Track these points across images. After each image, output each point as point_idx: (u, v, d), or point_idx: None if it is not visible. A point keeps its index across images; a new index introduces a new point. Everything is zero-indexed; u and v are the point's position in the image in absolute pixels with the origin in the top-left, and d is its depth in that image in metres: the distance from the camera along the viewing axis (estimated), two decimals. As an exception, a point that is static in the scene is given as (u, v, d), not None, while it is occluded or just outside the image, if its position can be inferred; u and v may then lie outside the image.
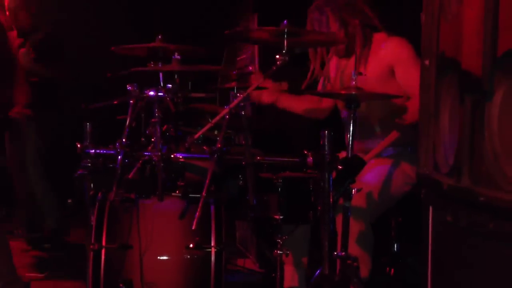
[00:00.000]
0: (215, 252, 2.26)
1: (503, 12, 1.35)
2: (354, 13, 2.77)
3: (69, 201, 4.68)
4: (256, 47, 3.99)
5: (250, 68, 3.92)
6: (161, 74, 2.63)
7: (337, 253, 2.24)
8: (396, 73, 2.76)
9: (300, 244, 2.77)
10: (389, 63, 2.76)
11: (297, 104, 3.06)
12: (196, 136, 2.37)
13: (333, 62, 2.96)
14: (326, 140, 2.14)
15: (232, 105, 2.23)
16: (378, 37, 2.81)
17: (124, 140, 2.34)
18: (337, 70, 2.92)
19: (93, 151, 2.41)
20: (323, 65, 2.96)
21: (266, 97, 2.99)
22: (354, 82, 2.28)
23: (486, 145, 1.38)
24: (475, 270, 1.42)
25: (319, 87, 3.05)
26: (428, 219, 1.66)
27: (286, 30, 2.22)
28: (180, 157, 2.39)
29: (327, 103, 3.05)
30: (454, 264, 1.53)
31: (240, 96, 2.23)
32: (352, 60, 2.81)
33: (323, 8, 2.78)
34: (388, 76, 2.76)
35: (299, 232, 2.59)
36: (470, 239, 1.44)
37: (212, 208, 2.31)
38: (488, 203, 1.34)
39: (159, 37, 2.60)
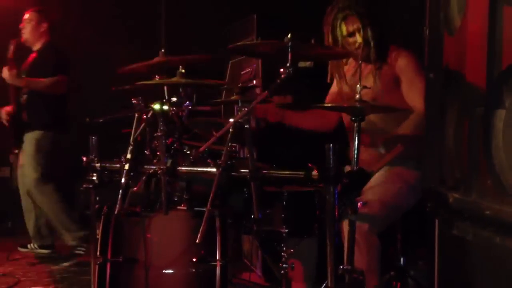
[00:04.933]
0: (220, 266, 2.25)
1: (507, 25, 1.35)
2: (374, 21, 2.78)
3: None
4: (260, 61, 4.01)
5: (254, 82, 3.93)
6: (165, 88, 2.64)
7: (343, 267, 2.23)
8: (401, 84, 2.77)
9: (307, 257, 2.76)
10: (395, 75, 2.78)
11: (303, 121, 3.06)
12: (201, 149, 2.37)
13: (350, 66, 2.97)
14: (331, 153, 2.14)
15: (236, 118, 2.23)
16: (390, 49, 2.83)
17: (129, 153, 2.35)
18: (355, 73, 2.90)
19: (99, 164, 2.42)
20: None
21: (271, 117, 2.98)
22: (358, 95, 2.28)
23: (491, 158, 1.37)
24: (482, 284, 1.42)
25: (333, 89, 3.04)
26: (434, 233, 1.66)
27: (290, 44, 2.23)
28: (185, 170, 2.39)
29: (333, 114, 3.06)
30: (460, 277, 1.52)
31: (244, 109, 2.23)
32: (370, 64, 2.81)
33: (345, 10, 2.78)
34: (394, 88, 2.77)
35: (306, 245, 2.58)
36: (476, 253, 1.43)
37: (217, 221, 2.31)
38: (494, 217, 1.34)
39: (162, 51, 2.61)
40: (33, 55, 4.49)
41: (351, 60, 2.96)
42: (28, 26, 4.46)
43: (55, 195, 4.37)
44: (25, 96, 4.41)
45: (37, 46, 4.49)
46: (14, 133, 4.47)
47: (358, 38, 2.78)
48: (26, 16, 4.49)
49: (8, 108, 4.47)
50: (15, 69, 4.30)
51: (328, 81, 3.06)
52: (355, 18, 2.77)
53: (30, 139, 4.37)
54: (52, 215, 4.38)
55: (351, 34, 2.79)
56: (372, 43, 2.76)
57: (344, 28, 2.80)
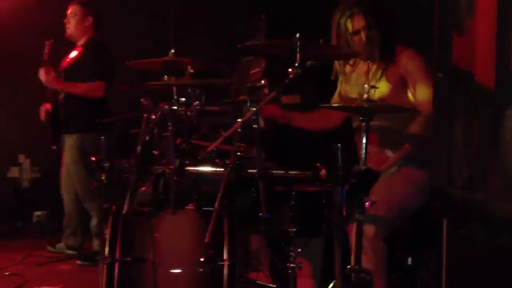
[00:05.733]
0: (228, 266, 2.25)
1: (516, 26, 1.35)
2: (380, 20, 2.77)
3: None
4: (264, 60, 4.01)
5: (263, 81, 3.93)
6: (174, 88, 2.65)
7: (350, 267, 2.23)
8: (408, 83, 2.77)
9: (313, 257, 2.76)
10: (402, 74, 2.77)
11: (309, 122, 3.07)
12: (209, 149, 2.38)
13: (356, 66, 2.97)
14: (339, 153, 2.14)
15: (244, 118, 2.23)
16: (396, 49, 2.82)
17: (138, 153, 2.36)
18: (362, 73, 2.89)
19: (107, 164, 2.43)
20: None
21: (280, 119, 3.00)
22: (366, 95, 2.28)
23: (500, 158, 1.37)
24: (490, 283, 1.41)
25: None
26: (443, 232, 1.66)
27: (298, 44, 2.23)
28: (193, 170, 2.39)
29: (338, 113, 3.06)
30: (469, 277, 1.52)
31: (252, 109, 2.24)
32: (376, 64, 2.81)
33: (352, 8, 2.78)
34: (402, 87, 2.77)
35: (312, 245, 2.58)
36: (485, 252, 1.43)
37: (225, 221, 2.31)
38: (503, 217, 1.33)
39: (172, 51, 2.62)
40: (77, 51, 4.32)
41: (358, 60, 2.96)
42: (73, 21, 4.27)
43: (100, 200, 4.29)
44: (63, 95, 4.27)
45: (81, 42, 4.31)
46: (52, 130, 4.33)
47: (363, 37, 2.77)
48: (70, 10, 4.30)
49: (48, 106, 4.33)
50: (52, 72, 4.15)
51: (332, 78, 3.06)
52: (361, 16, 2.77)
53: (70, 144, 4.25)
54: (98, 219, 4.28)
55: (357, 32, 2.79)
56: (376, 42, 2.75)
57: (349, 26, 2.79)
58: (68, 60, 4.35)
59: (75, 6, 4.31)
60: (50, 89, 4.29)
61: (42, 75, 4.14)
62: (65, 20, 4.33)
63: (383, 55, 2.78)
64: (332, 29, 2.86)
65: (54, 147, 4.36)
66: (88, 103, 4.20)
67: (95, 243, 4.30)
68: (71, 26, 4.30)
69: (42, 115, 4.35)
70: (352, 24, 2.79)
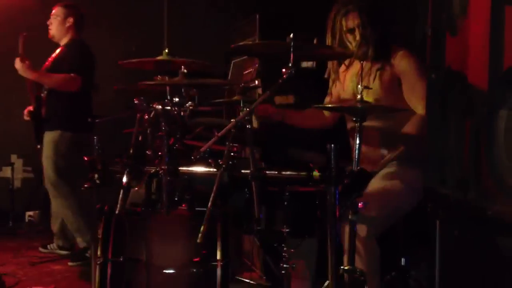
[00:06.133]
0: (221, 266, 2.25)
1: (509, 26, 1.35)
2: (375, 19, 2.77)
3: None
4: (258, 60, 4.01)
5: (256, 82, 3.93)
6: (167, 88, 2.64)
7: (344, 267, 2.23)
8: (402, 84, 2.77)
9: (306, 257, 2.76)
10: (397, 75, 2.77)
11: (303, 120, 3.08)
12: (203, 149, 2.38)
13: (352, 66, 2.97)
14: (332, 153, 2.14)
15: (238, 118, 2.23)
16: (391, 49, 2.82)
17: (130, 153, 2.35)
18: (356, 73, 2.89)
19: (100, 164, 2.42)
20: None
21: (274, 116, 3.00)
22: (359, 96, 2.28)
23: (493, 158, 1.37)
24: (483, 283, 1.41)
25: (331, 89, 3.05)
26: (435, 233, 1.66)
27: (292, 44, 2.23)
28: (186, 170, 2.39)
29: (332, 113, 3.07)
30: (461, 277, 1.52)
31: (246, 109, 2.24)
32: (370, 64, 2.81)
33: (347, 5, 2.78)
34: (396, 88, 2.77)
35: (305, 245, 2.58)
36: (478, 253, 1.43)
37: (218, 221, 2.31)
38: (495, 217, 1.34)
39: (166, 51, 2.61)
40: (58, 50, 4.41)
41: (353, 60, 2.96)
42: (55, 22, 4.38)
43: (72, 198, 4.29)
44: (45, 93, 4.33)
45: (63, 42, 4.41)
46: (35, 130, 4.38)
47: (357, 35, 2.77)
48: (53, 11, 4.41)
49: (30, 108, 4.39)
50: (27, 61, 4.23)
51: (325, 76, 3.06)
52: (356, 14, 2.76)
53: (48, 139, 4.29)
54: (66, 216, 4.33)
55: (351, 30, 2.79)
56: (371, 41, 2.75)
57: (344, 24, 2.79)
58: (50, 59, 4.43)
59: (57, 8, 4.43)
60: (31, 88, 4.34)
61: (17, 64, 4.23)
62: (48, 22, 4.43)
63: (378, 54, 2.77)
64: (328, 27, 2.85)
65: (39, 146, 4.39)
66: (69, 101, 4.25)
67: (79, 240, 4.31)
68: (53, 27, 4.41)
69: (26, 114, 4.39)
70: (347, 22, 2.78)
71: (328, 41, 2.88)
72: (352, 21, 2.77)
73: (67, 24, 4.38)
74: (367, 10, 2.76)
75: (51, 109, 4.31)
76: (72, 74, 4.19)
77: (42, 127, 4.35)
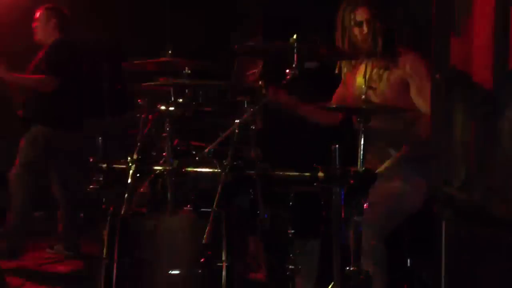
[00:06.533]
0: (226, 267, 2.25)
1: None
2: (384, 14, 2.77)
3: (81, 215, 4.68)
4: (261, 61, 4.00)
5: (260, 82, 3.92)
6: (171, 88, 2.65)
7: (349, 268, 2.23)
8: (410, 87, 2.76)
9: (310, 258, 2.76)
10: (404, 77, 2.76)
11: (315, 112, 3.01)
12: (207, 150, 2.38)
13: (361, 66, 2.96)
14: (337, 154, 2.14)
15: (242, 119, 2.23)
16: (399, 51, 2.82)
17: (135, 154, 2.35)
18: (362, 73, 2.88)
19: (105, 165, 2.43)
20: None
21: (285, 103, 2.90)
22: (363, 97, 2.28)
23: (498, 158, 1.37)
24: (490, 284, 1.41)
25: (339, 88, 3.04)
26: (441, 234, 1.66)
27: (295, 45, 2.23)
28: (191, 171, 2.39)
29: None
30: (468, 278, 1.52)
31: (250, 110, 2.24)
32: (377, 62, 2.81)
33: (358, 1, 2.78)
34: (404, 90, 2.76)
35: (311, 246, 2.57)
36: (483, 253, 1.43)
37: (223, 222, 2.31)
38: (501, 217, 1.33)
39: (169, 51, 2.61)
40: (42, 52, 4.44)
41: (360, 62, 2.95)
42: (38, 25, 4.43)
43: (24, 194, 4.32)
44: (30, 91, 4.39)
45: (48, 43, 4.44)
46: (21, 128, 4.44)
47: (365, 29, 2.77)
48: (36, 15, 4.45)
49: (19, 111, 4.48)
50: (2, 64, 4.24)
51: (336, 71, 3.03)
52: (365, 8, 2.77)
53: (28, 133, 4.35)
54: (14, 210, 4.33)
55: (359, 23, 2.78)
56: (379, 36, 2.75)
57: (352, 17, 2.79)
58: (33, 61, 4.45)
59: (40, 11, 4.46)
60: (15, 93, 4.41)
61: None
62: (33, 25, 4.46)
63: (385, 50, 2.77)
64: (337, 23, 2.85)
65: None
66: (50, 97, 4.27)
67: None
68: (38, 30, 4.45)
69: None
70: (355, 16, 2.78)
71: (338, 36, 2.87)
72: (360, 15, 2.77)
73: (50, 26, 4.41)
74: (376, 5, 2.76)
75: (31, 105, 4.36)
76: (46, 76, 4.22)
77: (28, 127, 4.40)
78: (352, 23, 2.79)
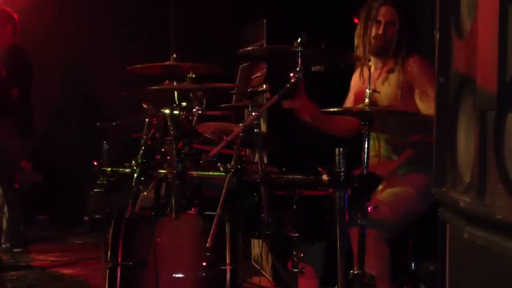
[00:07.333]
0: (230, 270, 2.25)
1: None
2: (406, 20, 2.80)
3: (85, 218, 4.70)
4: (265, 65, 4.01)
5: (264, 86, 3.93)
6: (176, 92, 2.65)
7: (353, 272, 2.22)
8: (414, 91, 2.76)
9: (314, 261, 2.75)
10: (409, 80, 2.77)
11: (332, 125, 2.99)
12: (211, 153, 2.38)
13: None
14: (340, 157, 2.13)
15: (246, 122, 2.23)
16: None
17: (139, 158, 2.36)
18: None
19: (109, 169, 2.43)
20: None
21: (304, 111, 2.79)
22: (367, 100, 2.28)
23: (503, 162, 1.36)
24: (494, 289, 1.41)
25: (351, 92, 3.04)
26: (446, 238, 1.65)
27: (299, 49, 2.23)
28: (195, 174, 2.39)
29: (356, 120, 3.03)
30: (472, 283, 1.51)
31: (254, 114, 2.24)
32: (389, 63, 2.81)
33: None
34: (408, 93, 2.77)
35: (315, 249, 2.57)
36: (488, 258, 1.42)
37: (227, 225, 2.31)
38: (506, 221, 1.33)
39: (174, 56, 2.62)
40: None
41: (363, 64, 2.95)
42: None
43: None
44: None
45: (2, 50, 4.46)
46: None
47: (381, 29, 2.78)
48: None
49: None
50: None
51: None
52: (389, 8, 2.78)
53: None
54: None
55: (378, 22, 2.80)
56: (393, 39, 2.76)
57: (374, 13, 2.81)
58: None
59: None
60: None
61: None
62: None
63: (395, 55, 2.78)
64: (362, 13, 2.87)
65: None
66: None
67: None
68: None
69: None
70: (378, 13, 2.80)
71: (360, 29, 2.89)
72: (382, 15, 2.79)
73: (6, 32, 4.43)
74: (401, 9, 2.78)
75: None
76: None
77: None
78: (372, 18, 2.81)
